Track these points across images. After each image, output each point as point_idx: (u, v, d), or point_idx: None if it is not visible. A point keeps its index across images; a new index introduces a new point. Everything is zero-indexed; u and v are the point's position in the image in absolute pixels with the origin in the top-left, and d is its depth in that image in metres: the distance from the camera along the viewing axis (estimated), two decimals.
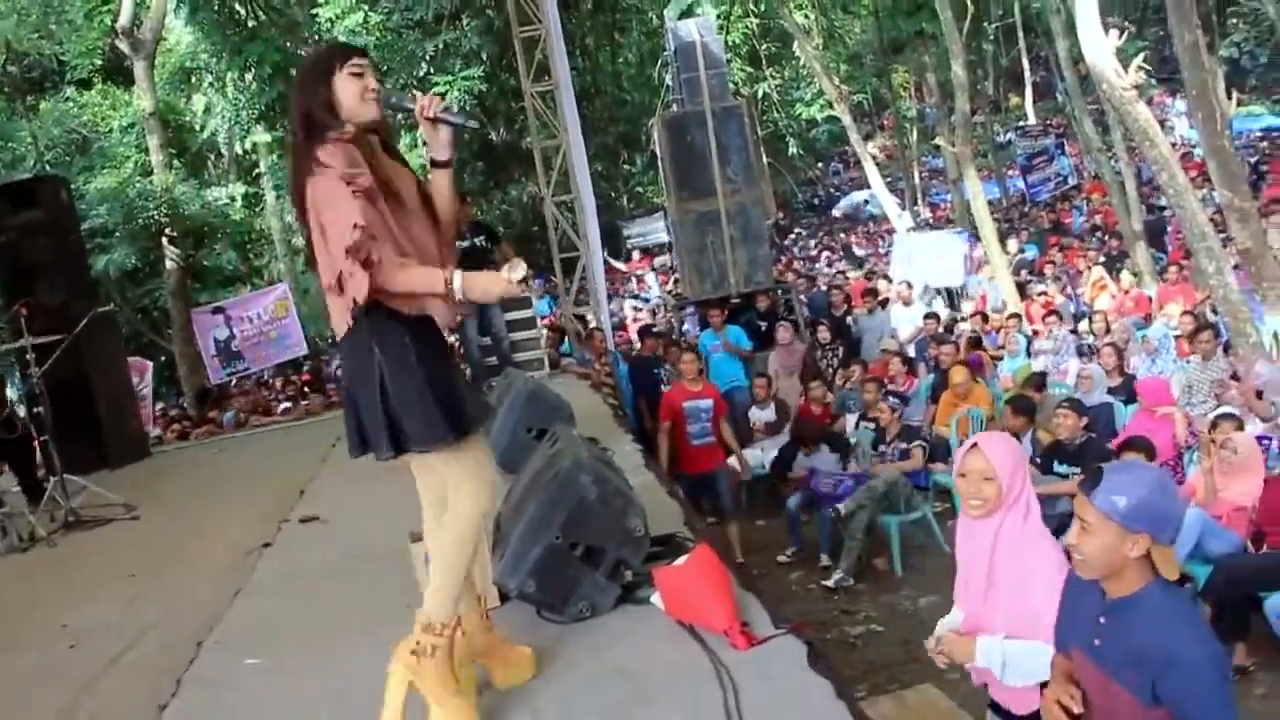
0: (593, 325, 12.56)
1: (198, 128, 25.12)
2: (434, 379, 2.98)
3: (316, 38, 21.24)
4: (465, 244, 9.47)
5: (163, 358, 19.44)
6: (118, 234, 18.19)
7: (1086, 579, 2.63)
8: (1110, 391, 9.39)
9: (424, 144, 3.34)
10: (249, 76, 21.88)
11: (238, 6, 20.62)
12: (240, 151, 26.59)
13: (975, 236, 17.68)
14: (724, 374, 11.49)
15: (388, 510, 4.64)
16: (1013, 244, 18.72)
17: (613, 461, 4.33)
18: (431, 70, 21.69)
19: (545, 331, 12.41)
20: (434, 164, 3.15)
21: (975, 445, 3.20)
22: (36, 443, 8.42)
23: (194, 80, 24.65)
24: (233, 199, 24.79)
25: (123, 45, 17.95)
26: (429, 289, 2.95)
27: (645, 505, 3.89)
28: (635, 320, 16.75)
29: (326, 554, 5.40)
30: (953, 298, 16.06)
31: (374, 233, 2.85)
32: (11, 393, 11.26)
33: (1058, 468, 7.07)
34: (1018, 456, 3.22)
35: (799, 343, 12.06)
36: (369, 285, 2.84)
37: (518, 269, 2.92)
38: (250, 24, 21.50)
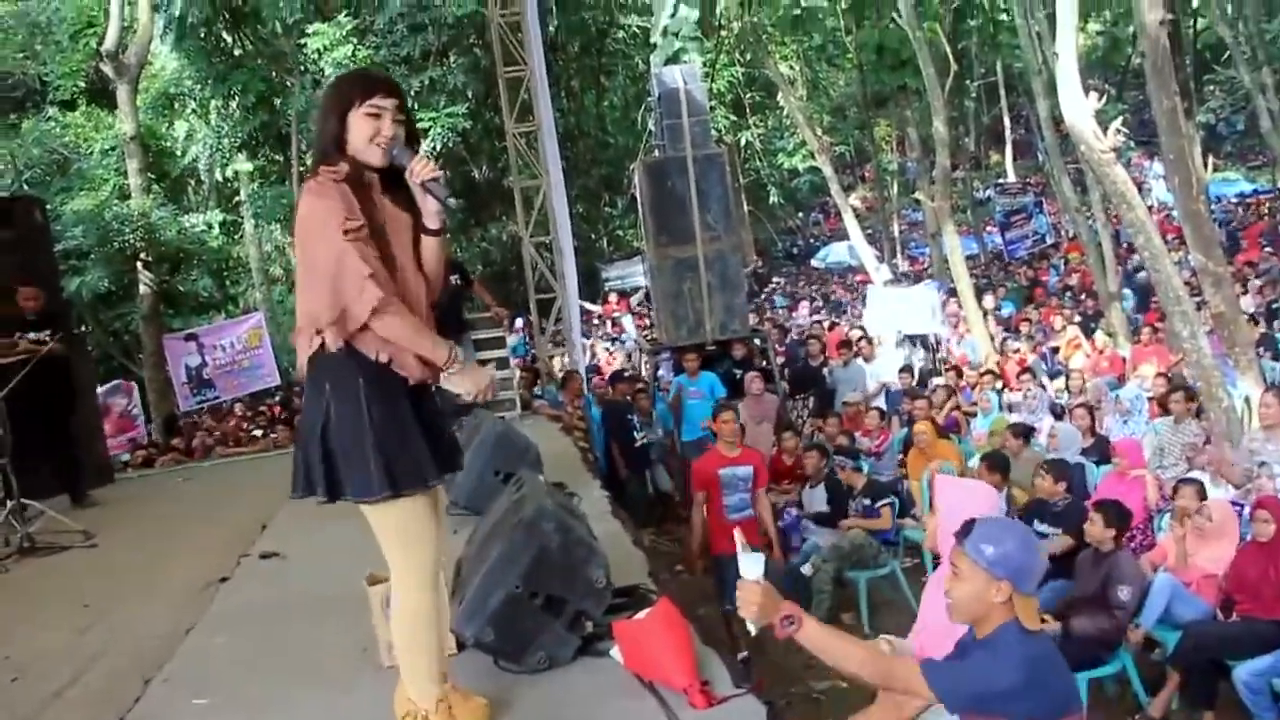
0: (568, 367, 12.49)
1: (178, 153, 25.05)
2: (381, 427, 2.89)
3: (303, 69, 21.25)
4: None
5: (132, 383, 19.22)
6: (92, 256, 18.04)
7: (957, 623, 2.93)
8: (1083, 452, 9.37)
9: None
10: (233, 104, 21.91)
11: (225, 35, 20.63)
12: (220, 179, 26.51)
13: (952, 291, 17.75)
14: (695, 423, 11.41)
15: (351, 550, 4.53)
16: (989, 300, 18.78)
17: (577, 509, 4.26)
18: (416, 106, 21.70)
19: (519, 372, 12.34)
20: (424, 231, 3.06)
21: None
22: None
23: (177, 106, 24.58)
24: (210, 226, 24.70)
25: (107, 68, 17.91)
26: (425, 354, 2.93)
27: (609, 555, 3.81)
28: (609, 364, 16.68)
29: (284, 592, 5.28)
30: (933, 349, 16.07)
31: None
32: None
33: (1038, 526, 7.02)
34: (977, 503, 3.34)
35: (770, 393, 12.01)
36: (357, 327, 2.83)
37: (489, 372, 3.08)
38: (236, 52, 21.56)
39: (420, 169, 2.94)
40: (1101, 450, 9.17)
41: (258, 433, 13.70)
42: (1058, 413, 11.42)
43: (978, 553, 2.80)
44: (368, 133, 2.91)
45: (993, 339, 16.12)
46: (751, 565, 2.91)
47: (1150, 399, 10.66)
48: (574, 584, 3.61)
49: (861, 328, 16.27)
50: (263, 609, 5.04)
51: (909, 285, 21.00)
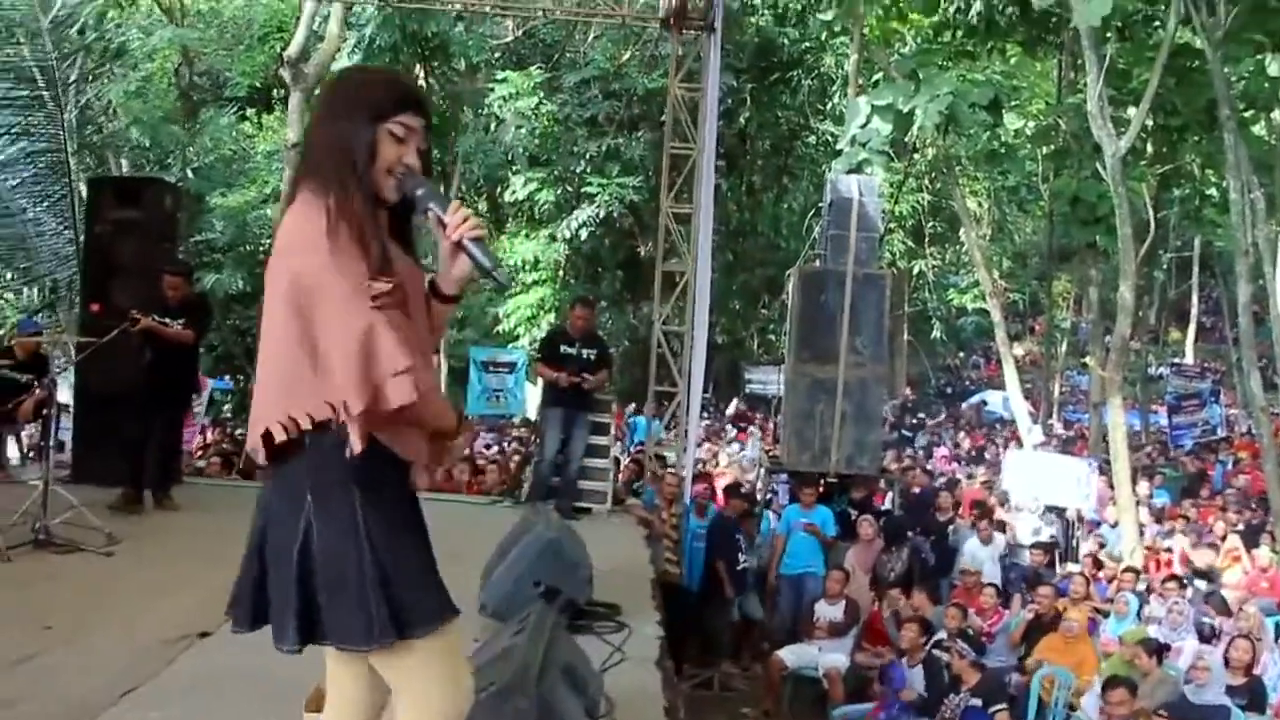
0: (674, 469, 11.64)
1: None
2: (385, 551, 2.12)
3: (478, 111, 21.25)
4: (572, 351, 9.15)
5: (245, 383, 19.11)
6: (230, 254, 18.06)
7: None
8: (1229, 690, 8.09)
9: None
10: None
11: (409, 64, 20.72)
12: None
13: (1103, 468, 16.45)
14: (800, 556, 10.67)
15: None
16: (1144, 486, 17.33)
17: (583, 674, 3.41)
18: (588, 169, 21.50)
19: (624, 461, 11.59)
20: (438, 296, 2.33)
21: None
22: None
23: None
24: None
25: (285, 74, 18.01)
26: (436, 421, 2.21)
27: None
28: (722, 474, 15.78)
29: (261, 667, 4.50)
30: (1073, 529, 14.75)
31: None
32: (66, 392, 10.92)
33: None
34: None
35: (882, 542, 11.04)
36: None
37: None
38: (419, 83, 21.61)
39: (461, 224, 2.16)
40: (1253, 694, 7.90)
41: None
42: (1204, 634, 10.10)
43: None
44: (391, 156, 2.16)
45: (1142, 530, 14.73)
46: None
47: None
48: None
49: (1001, 491, 15.09)
50: (220, 685, 4.31)
51: (1055, 450, 19.72)
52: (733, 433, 22.21)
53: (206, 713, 4.07)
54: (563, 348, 9.23)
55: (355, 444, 2.06)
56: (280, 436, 2.09)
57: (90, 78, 18.23)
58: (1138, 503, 15.58)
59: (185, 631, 4.93)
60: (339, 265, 2.04)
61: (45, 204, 17.28)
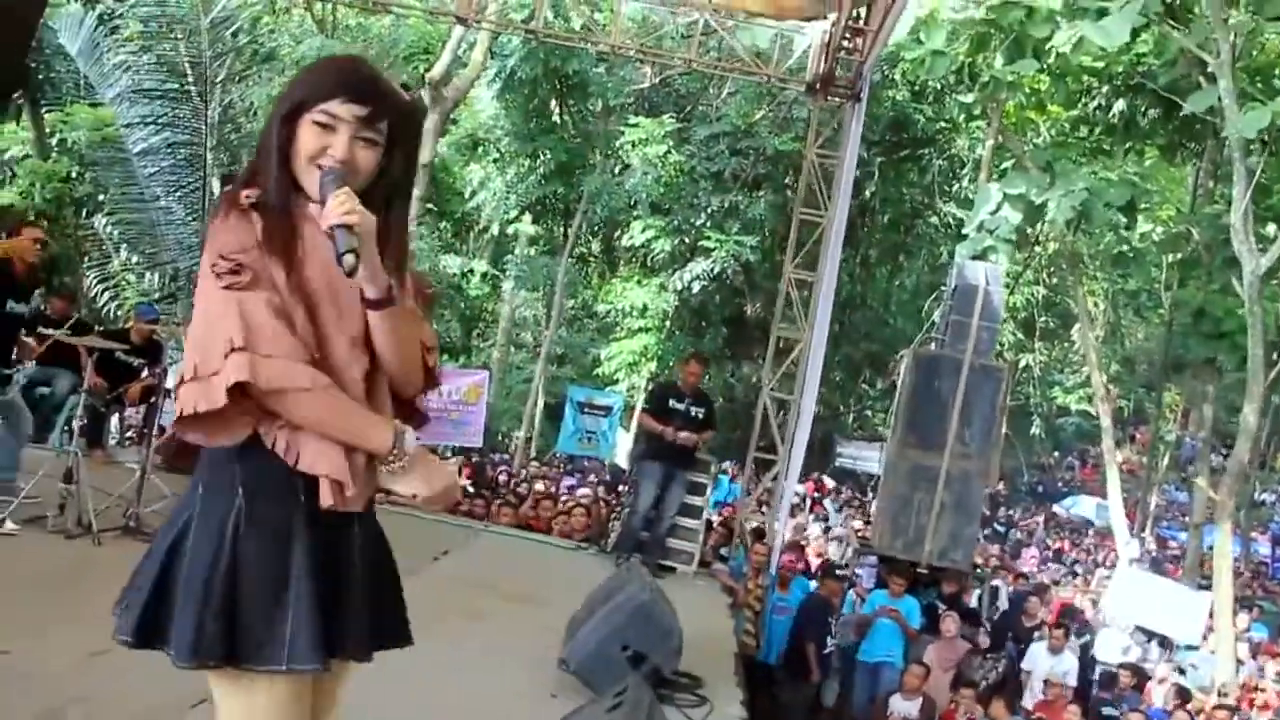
0: (762, 539, 11.39)
1: (465, 194, 25.44)
2: (248, 568, 1.96)
3: (608, 153, 21.32)
4: (680, 406, 9.06)
5: None
6: None
7: None
8: None
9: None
10: (533, 164, 22.13)
11: (547, 99, 20.88)
12: (498, 232, 26.80)
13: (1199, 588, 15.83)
14: (881, 644, 10.34)
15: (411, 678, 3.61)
16: (1242, 618, 16.64)
17: None
18: (708, 223, 21.44)
19: (712, 524, 11.41)
20: (364, 302, 2.05)
21: None
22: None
23: (479, 150, 25.09)
24: (472, 273, 24.92)
25: (425, 95, 18.26)
26: (354, 438, 1.97)
27: None
28: (819, 552, 15.47)
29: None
30: (1166, 653, 14.15)
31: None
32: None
33: None
34: None
35: (965, 640, 10.67)
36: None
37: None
38: (553, 118, 21.80)
39: (333, 207, 1.94)
40: None
41: None
42: None
43: None
44: (312, 147, 1.99)
45: (1239, 665, 14.10)
46: None
47: None
48: None
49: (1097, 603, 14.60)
50: None
51: (1147, 567, 19.05)
52: (807, 505, 21.83)
53: None
54: (671, 402, 9.12)
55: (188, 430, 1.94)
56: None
57: (237, 78, 18.69)
58: (1236, 634, 14.99)
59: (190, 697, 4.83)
60: (209, 248, 1.95)
61: (177, 194, 17.73)
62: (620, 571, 6.38)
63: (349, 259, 1.93)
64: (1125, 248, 23.40)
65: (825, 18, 11.21)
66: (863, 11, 10.53)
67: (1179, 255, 23.10)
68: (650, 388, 14.91)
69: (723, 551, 11.03)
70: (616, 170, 22.74)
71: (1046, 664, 11.17)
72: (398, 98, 2.09)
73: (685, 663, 5.54)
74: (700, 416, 9.12)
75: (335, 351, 2.02)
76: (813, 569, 13.13)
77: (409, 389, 2.18)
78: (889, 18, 9.61)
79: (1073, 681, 11.21)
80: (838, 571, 11.67)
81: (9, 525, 6.11)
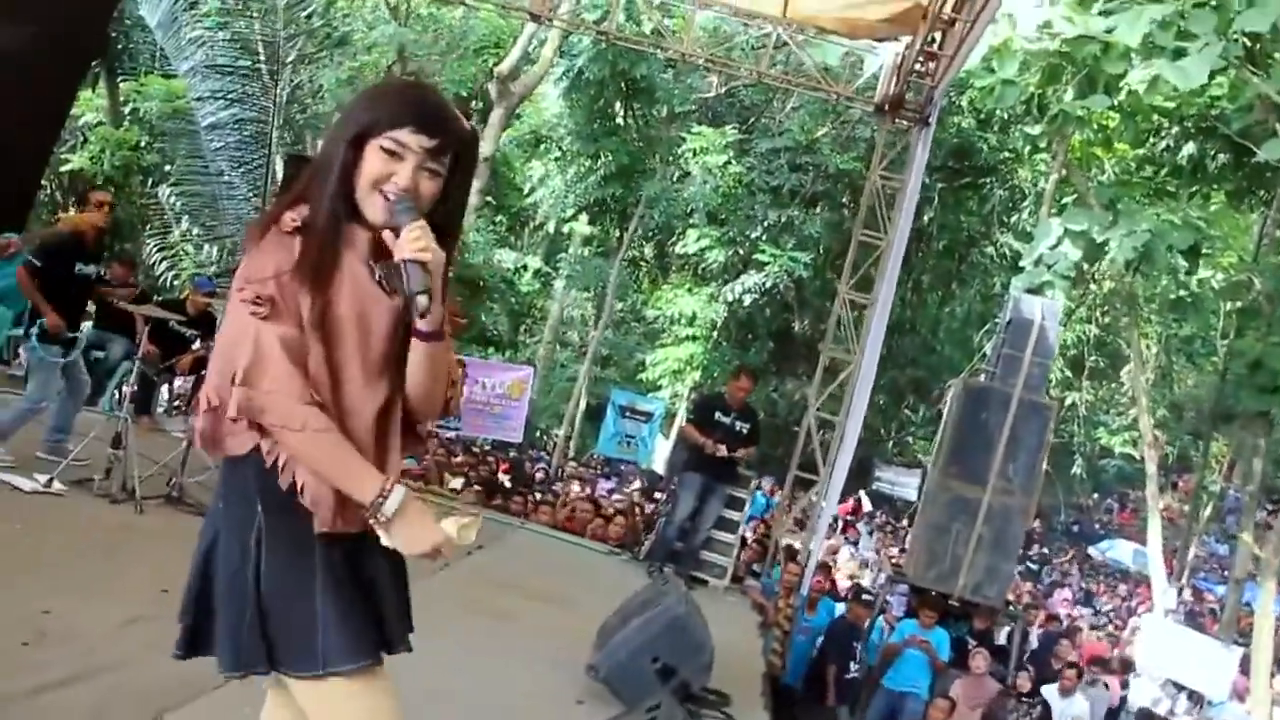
0: (799, 558, 11.31)
1: (524, 190, 25.54)
2: (268, 578, 2.03)
3: (670, 160, 21.31)
4: (726, 420, 9.02)
5: None
6: None
7: None
8: None
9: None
10: (594, 165, 22.16)
11: (613, 101, 20.92)
12: (553, 230, 26.86)
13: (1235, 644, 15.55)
14: (908, 674, 10.17)
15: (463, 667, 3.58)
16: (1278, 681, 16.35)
17: None
18: (763, 237, 21.39)
19: (745, 538, 11.35)
20: (416, 334, 2.08)
21: None
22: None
23: (541, 147, 25.18)
24: (525, 269, 24.99)
25: (491, 89, 18.37)
26: (339, 484, 1.98)
27: None
28: (853, 576, 15.35)
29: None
30: (1198, 708, 13.93)
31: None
32: None
33: None
34: None
35: (995, 679, 10.53)
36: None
37: (470, 531, 2.04)
38: (617, 120, 21.81)
39: (408, 240, 1.97)
40: None
41: (457, 483, 12.67)
42: None
43: None
44: (375, 174, 2.00)
45: None
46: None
47: None
48: None
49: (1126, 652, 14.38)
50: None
51: (1182, 619, 18.76)
52: (840, 523, 21.65)
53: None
54: (717, 415, 9.09)
55: (197, 439, 2.07)
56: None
57: (308, 60, 18.88)
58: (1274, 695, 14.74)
59: None
60: (243, 269, 2.00)
61: (241, 170, 17.94)
62: (656, 582, 6.35)
63: (423, 300, 1.97)
64: (1183, 292, 23.07)
65: (899, 39, 11.14)
66: (939, 36, 10.44)
67: (1239, 304, 22.76)
68: (696, 399, 14.86)
69: (755, 568, 10.97)
70: (675, 177, 22.74)
71: (1058, 706, 11.04)
72: (462, 128, 2.11)
73: (713, 680, 5.51)
74: (745, 431, 9.09)
75: (351, 386, 2.05)
76: (841, 591, 13.04)
77: (423, 419, 2.20)
78: (964, 44, 9.52)
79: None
80: (864, 596, 11.52)
81: (56, 485, 6.19)
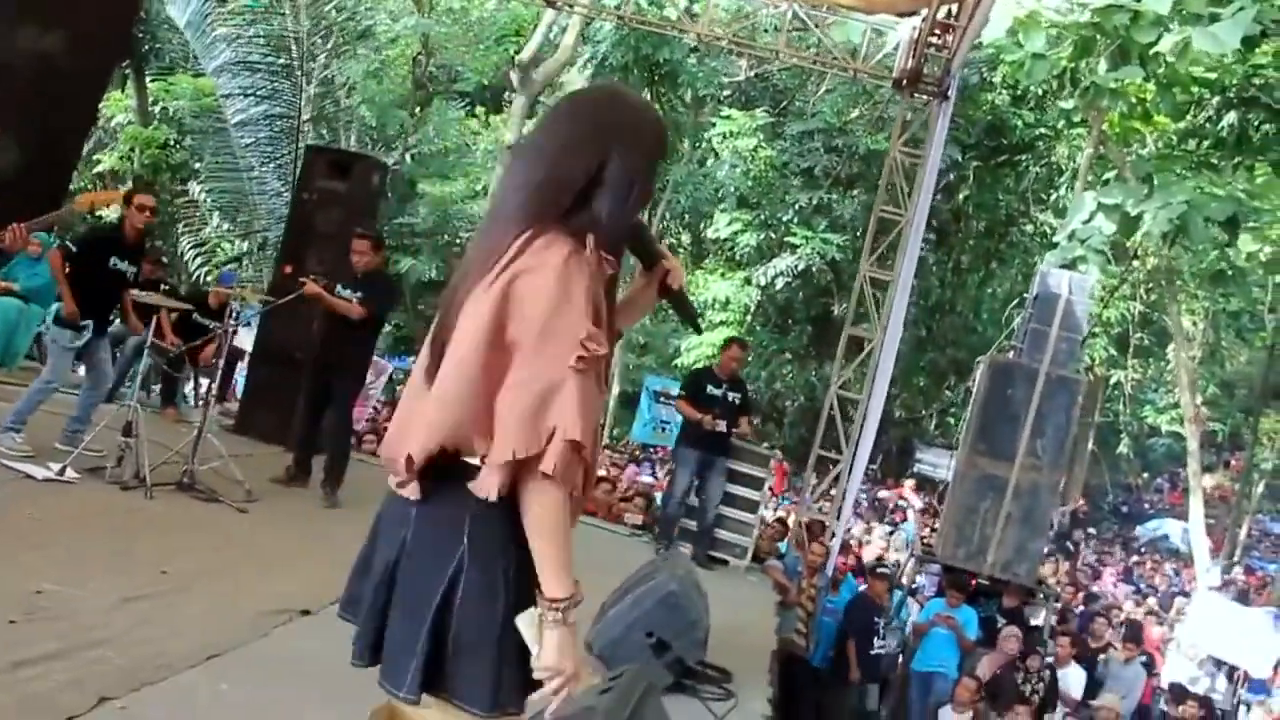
0: (821, 535, 11.22)
1: None
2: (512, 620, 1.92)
3: (698, 145, 21.23)
4: (717, 392, 8.93)
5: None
6: (429, 241, 18.53)
7: None
8: None
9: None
10: None
11: (643, 90, 20.89)
12: None
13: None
14: (934, 653, 10.10)
15: None
16: None
17: None
18: (796, 220, 21.27)
19: (767, 519, 11.29)
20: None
21: None
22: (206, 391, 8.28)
23: None
24: None
25: (514, 76, 18.39)
26: (552, 562, 1.90)
27: None
28: (883, 552, 15.21)
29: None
30: (1237, 686, 13.70)
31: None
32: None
33: None
34: None
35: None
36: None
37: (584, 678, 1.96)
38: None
39: (677, 271, 2.05)
40: None
41: None
42: None
43: None
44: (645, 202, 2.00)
45: None
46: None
47: None
48: None
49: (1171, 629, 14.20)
50: (307, 670, 4.19)
51: (1232, 597, 18.42)
52: (890, 510, 21.50)
53: (274, 695, 3.97)
54: (708, 388, 9.00)
55: (492, 491, 1.86)
56: (420, 459, 1.91)
57: (337, 54, 19.02)
58: None
59: (288, 606, 4.89)
60: (573, 317, 1.84)
61: (271, 165, 18.12)
62: (657, 559, 6.33)
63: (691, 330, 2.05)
64: (1226, 266, 22.69)
65: (917, 13, 11.02)
66: (954, 8, 10.32)
67: None
68: (687, 374, 14.70)
69: (780, 546, 10.92)
70: (706, 162, 22.66)
71: (1078, 680, 10.91)
72: None
73: (719, 656, 5.48)
74: (737, 402, 9.01)
75: (596, 416, 1.96)
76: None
77: None
78: (977, 13, 9.40)
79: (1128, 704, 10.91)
80: (879, 570, 11.32)
81: (69, 473, 6.26)
